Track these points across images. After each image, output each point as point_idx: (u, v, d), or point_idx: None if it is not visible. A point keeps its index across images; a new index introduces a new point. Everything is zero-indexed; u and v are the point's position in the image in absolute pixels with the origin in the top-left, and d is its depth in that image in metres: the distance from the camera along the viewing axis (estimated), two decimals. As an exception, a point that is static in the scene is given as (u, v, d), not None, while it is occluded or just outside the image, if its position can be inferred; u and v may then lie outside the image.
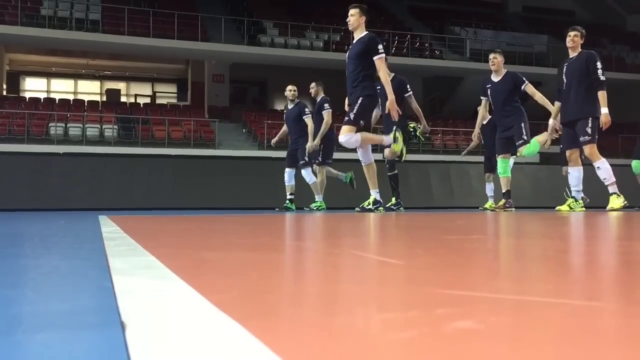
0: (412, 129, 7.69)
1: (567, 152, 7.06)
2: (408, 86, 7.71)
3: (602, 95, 6.67)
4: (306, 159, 8.36)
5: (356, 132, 6.17)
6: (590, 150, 6.76)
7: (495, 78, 7.83)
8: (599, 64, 6.72)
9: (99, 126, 19.04)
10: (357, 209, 6.92)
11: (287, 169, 8.68)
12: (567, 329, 0.64)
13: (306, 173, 8.43)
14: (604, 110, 6.67)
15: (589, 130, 6.68)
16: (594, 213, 6.62)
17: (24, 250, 1.98)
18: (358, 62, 6.24)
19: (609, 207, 6.94)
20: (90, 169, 9.99)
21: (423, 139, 8.32)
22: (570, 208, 7.00)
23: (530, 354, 0.54)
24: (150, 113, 21.43)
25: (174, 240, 2.31)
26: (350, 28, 6.41)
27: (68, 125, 18.70)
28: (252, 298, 0.87)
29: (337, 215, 5.57)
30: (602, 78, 6.67)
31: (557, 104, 7.15)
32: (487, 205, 9.73)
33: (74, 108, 20.95)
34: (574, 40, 6.86)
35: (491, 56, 7.97)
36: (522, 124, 7.61)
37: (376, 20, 25.54)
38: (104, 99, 26.35)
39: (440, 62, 24.17)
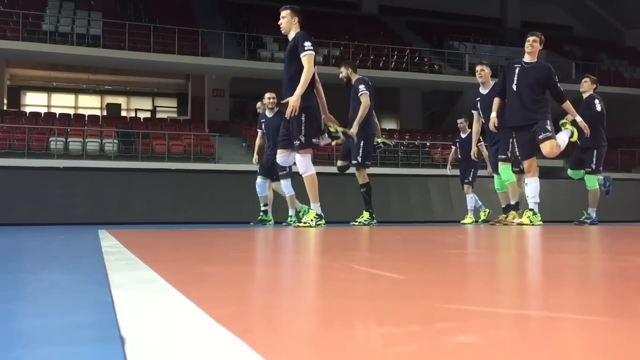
0: (377, 144, 7.14)
1: (526, 163, 6.63)
2: (361, 86, 7.00)
3: (569, 106, 6.68)
4: (287, 169, 7.84)
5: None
6: (551, 145, 6.40)
7: (483, 90, 7.67)
8: (556, 78, 6.64)
9: (99, 140, 19.07)
10: (292, 225, 6.41)
11: (259, 179, 8.17)
12: (567, 343, 0.64)
13: (286, 184, 7.85)
14: (579, 118, 6.75)
15: (549, 127, 6.43)
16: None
17: (24, 264, 1.97)
18: (290, 65, 5.62)
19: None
20: (90, 183, 9.98)
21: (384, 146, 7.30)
22: (531, 222, 6.61)
23: (529, 368, 0.54)
24: (151, 127, 21.48)
25: (174, 255, 2.31)
26: (283, 31, 5.75)
27: (68, 139, 18.73)
28: (251, 312, 0.87)
29: (330, 230, 5.57)
30: (562, 89, 6.63)
31: (498, 100, 6.84)
32: (465, 221, 9.37)
33: (75, 122, 21.00)
34: (533, 45, 6.65)
35: (478, 68, 7.76)
36: (510, 140, 7.18)
37: (376, 35, 25.70)
38: (105, 113, 26.42)
39: (440, 76, 24.28)
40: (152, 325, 0.75)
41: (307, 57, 5.50)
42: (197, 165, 18.07)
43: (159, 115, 27.87)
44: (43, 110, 24.91)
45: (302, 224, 5.88)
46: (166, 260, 2.01)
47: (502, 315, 0.82)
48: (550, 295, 1.06)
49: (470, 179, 9.45)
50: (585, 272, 1.61)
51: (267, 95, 8.23)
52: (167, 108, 28.89)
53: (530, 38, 6.73)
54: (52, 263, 2.06)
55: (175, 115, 27.80)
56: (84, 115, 23.17)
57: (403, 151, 21.78)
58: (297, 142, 5.60)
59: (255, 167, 8.74)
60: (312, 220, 5.81)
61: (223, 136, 21.33)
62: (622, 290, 1.19)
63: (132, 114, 27.51)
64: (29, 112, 22.75)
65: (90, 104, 27.89)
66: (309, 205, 6.11)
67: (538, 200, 6.71)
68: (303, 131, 5.55)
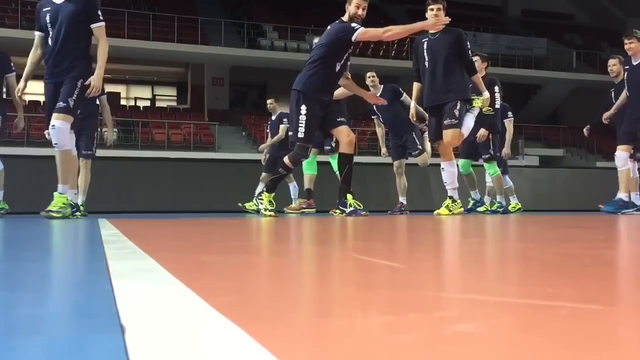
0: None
1: (440, 147, 6.15)
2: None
3: (479, 79, 6.05)
4: None
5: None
6: (453, 134, 5.84)
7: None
8: (468, 44, 6.00)
9: (98, 129, 19.06)
10: (42, 212, 5.12)
11: None
12: (567, 332, 0.64)
13: None
14: (487, 94, 6.04)
15: (457, 113, 5.83)
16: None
17: (24, 253, 1.97)
18: (74, 29, 4.77)
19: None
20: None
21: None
22: (450, 211, 6.22)
23: (530, 358, 0.54)
24: (150, 116, 21.47)
25: (174, 244, 2.31)
26: None
27: (68, 128, 18.72)
28: (252, 301, 0.87)
29: (331, 219, 5.56)
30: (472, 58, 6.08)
31: (417, 85, 6.25)
32: (288, 209, 8.54)
33: (74, 111, 20.98)
34: (437, 14, 5.81)
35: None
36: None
37: (375, 23, 25.59)
38: (104, 102, 26.38)
39: (440, 65, 24.22)
40: (153, 314, 0.75)
41: (101, 29, 4.84)
42: (197, 154, 18.07)
43: (158, 104, 27.83)
44: (42, 98, 24.86)
45: (53, 212, 4.86)
46: (166, 249, 2.02)
47: (503, 304, 0.82)
48: (551, 284, 1.06)
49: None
50: (586, 261, 1.61)
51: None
52: (166, 97, 28.83)
53: (434, 6, 5.87)
54: (51, 252, 2.07)
55: (174, 104, 27.76)
56: (84, 104, 23.13)
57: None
58: (62, 104, 4.85)
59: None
60: (60, 208, 4.86)
61: (223, 125, 21.32)
62: (624, 278, 1.19)
63: (132, 103, 27.47)
64: (29, 101, 22.70)
65: (90, 93, 27.81)
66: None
67: (457, 186, 6.25)
68: (75, 96, 4.82)
